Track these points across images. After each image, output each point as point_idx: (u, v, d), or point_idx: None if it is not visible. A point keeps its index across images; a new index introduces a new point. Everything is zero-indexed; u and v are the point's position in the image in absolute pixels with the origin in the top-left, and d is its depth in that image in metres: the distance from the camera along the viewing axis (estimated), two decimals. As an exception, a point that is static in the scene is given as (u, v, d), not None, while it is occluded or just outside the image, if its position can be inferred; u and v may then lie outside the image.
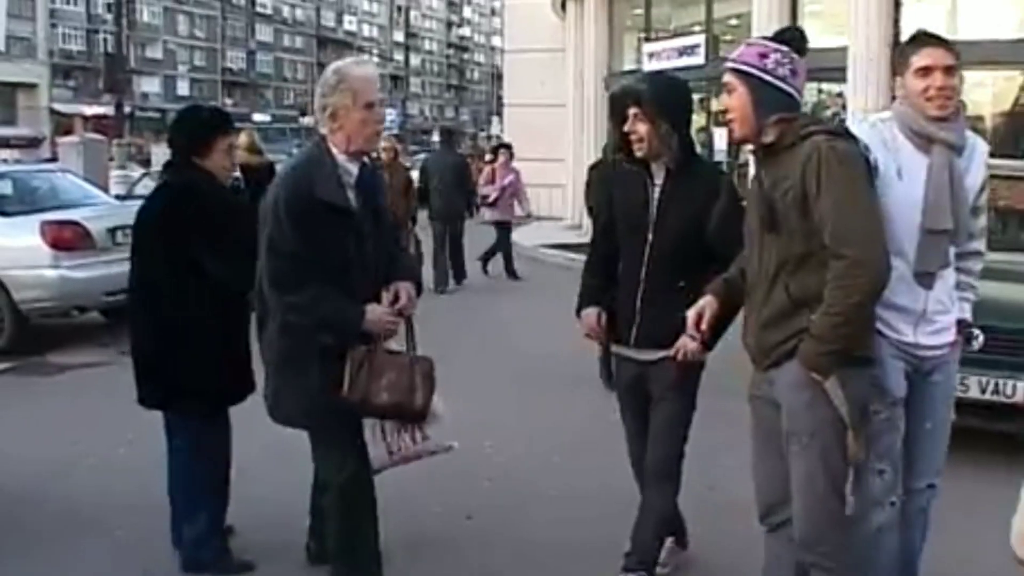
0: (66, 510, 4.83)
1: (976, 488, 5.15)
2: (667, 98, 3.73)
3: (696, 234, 3.66)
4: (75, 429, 6.23)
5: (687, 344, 3.57)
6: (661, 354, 3.71)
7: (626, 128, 3.72)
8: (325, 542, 3.94)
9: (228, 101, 71.77)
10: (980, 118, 12.78)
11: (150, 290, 4.08)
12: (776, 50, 3.07)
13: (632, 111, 3.69)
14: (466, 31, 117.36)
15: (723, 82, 3.15)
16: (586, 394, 7.15)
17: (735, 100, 3.10)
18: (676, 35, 18.30)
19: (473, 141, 58.83)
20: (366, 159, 3.80)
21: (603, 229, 4.02)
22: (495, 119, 54.88)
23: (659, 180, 3.76)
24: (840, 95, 14.12)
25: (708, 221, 3.65)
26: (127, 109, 40.07)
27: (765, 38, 3.17)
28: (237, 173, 13.87)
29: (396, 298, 3.67)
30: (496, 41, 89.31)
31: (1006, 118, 12.88)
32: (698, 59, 16.94)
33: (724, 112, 3.18)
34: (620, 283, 3.87)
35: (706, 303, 3.38)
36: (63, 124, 50.21)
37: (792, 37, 3.13)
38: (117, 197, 12.13)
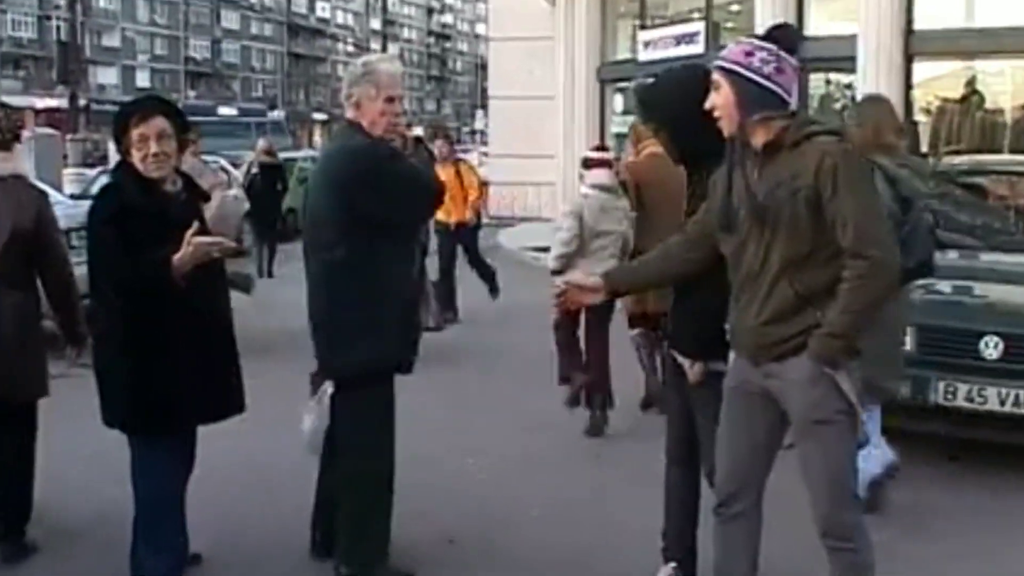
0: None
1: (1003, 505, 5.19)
2: (656, 103, 3.90)
3: None
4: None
5: (696, 367, 3.82)
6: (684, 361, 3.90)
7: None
8: (328, 533, 4.33)
9: (191, 93, 71.70)
10: (1000, 111, 12.85)
11: (100, 297, 4.03)
12: (762, 48, 3.30)
13: (652, 126, 4.01)
14: (448, 18, 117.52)
15: (711, 80, 3.37)
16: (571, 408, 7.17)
17: (720, 97, 3.34)
18: (674, 22, 18.32)
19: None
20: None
21: None
22: (480, 112, 54.85)
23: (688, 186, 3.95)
24: (849, 86, 14.18)
25: None
26: (82, 102, 39.99)
27: (755, 36, 3.39)
28: (255, 169, 15.49)
29: None
30: (480, 29, 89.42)
31: (1026, 110, 12.93)
32: (697, 48, 16.96)
33: (712, 110, 3.38)
34: None
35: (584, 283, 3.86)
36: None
37: (781, 36, 3.36)
38: (72, 196, 12.08)
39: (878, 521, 4.98)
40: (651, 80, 4.08)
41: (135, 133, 3.94)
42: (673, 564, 4.16)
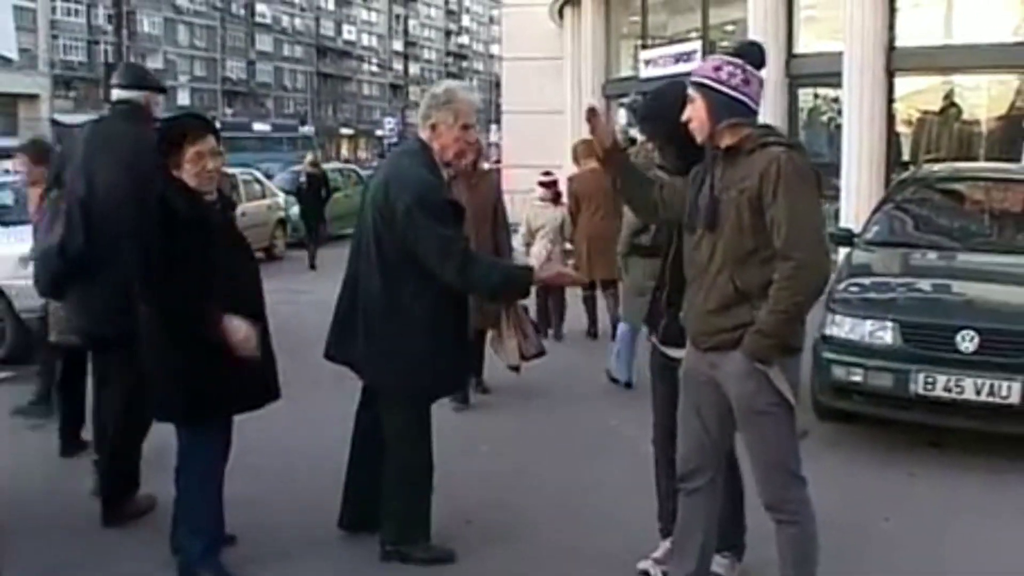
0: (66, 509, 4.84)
1: (988, 490, 5.18)
2: (659, 119, 3.88)
3: None
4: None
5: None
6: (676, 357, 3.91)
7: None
8: (358, 512, 4.45)
9: (228, 111, 71.94)
10: (976, 122, 12.80)
11: (147, 299, 4.02)
12: (729, 63, 3.41)
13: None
14: (464, 39, 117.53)
15: (686, 94, 3.47)
16: (586, 398, 7.17)
17: (694, 110, 3.44)
18: (673, 42, 18.29)
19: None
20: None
21: None
22: (494, 127, 54.85)
23: None
24: (836, 100, 14.13)
25: None
26: (128, 119, 40.11)
27: (724, 52, 3.54)
28: (303, 177, 17.28)
29: None
30: (495, 49, 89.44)
31: (1002, 122, 12.87)
32: (694, 65, 16.88)
33: (688, 122, 3.48)
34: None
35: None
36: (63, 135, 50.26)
37: (747, 51, 3.47)
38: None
39: (858, 504, 5.00)
40: (646, 96, 4.09)
41: (192, 151, 3.97)
42: (671, 539, 4.16)
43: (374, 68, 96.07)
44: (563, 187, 9.58)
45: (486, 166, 7.49)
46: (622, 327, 7.46)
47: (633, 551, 4.26)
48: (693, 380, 3.58)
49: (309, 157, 18.47)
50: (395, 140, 38.31)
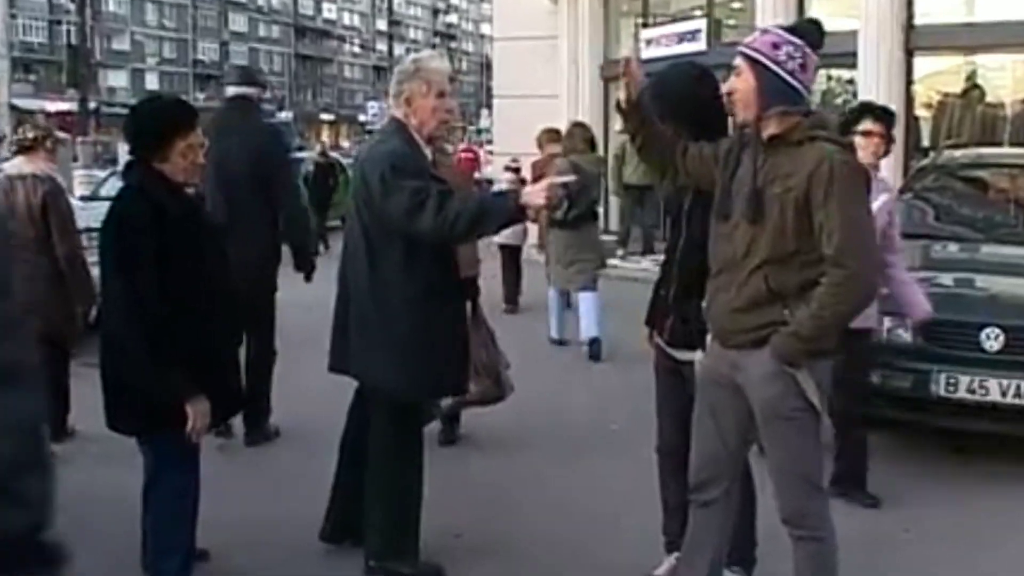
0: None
1: (1016, 498, 5.17)
2: (665, 99, 3.90)
3: None
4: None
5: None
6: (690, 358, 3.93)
7: None
8: (342, 522, 4.47)
9: (200, 95, 71.73)
10: (1000, 105, 12.79)
11: (112, 301, 3.98)
12: (789, 42, 3.28)
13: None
14: (453, 18, 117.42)
15: (732, 64, 3.35)
16: (584, 401, 7.16)
17: (740, 83, 3.32)
18: (676, 20, 18.28)
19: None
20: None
21: None
22: (484, 112, 54.82)
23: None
24: (851, 81, 14.12)
25: None
26: (92, 105, 40.06)
27: (782, 28, 3.39)
28: (310, 166, 19.27)
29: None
30: (485, 29, 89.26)
31: (1027, 104, 12.87)
32: (699, 45, 16.91)
33: (729, 94, 3.38)
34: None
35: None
36: (24, 121, 49.95)
37: (807, 30, 3.36)
38: (82, 198, 12.08)
39: (881, 514, 5.00)
40: (653, 77, 4.06)
41: (184, 144, 3.90)
42: (676, 555, 4.16)
43: (356, 49, 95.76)
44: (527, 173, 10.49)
45: (449, 148, 7.63)
46: (551, 292, 9.22)
47: (636, 566, 4.25)
48: (712, 382, 3.54)
49: (318, 147, 20.67)
50: (377, 126, 38.20)
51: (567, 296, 9.27)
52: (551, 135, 9.94)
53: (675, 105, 3.86)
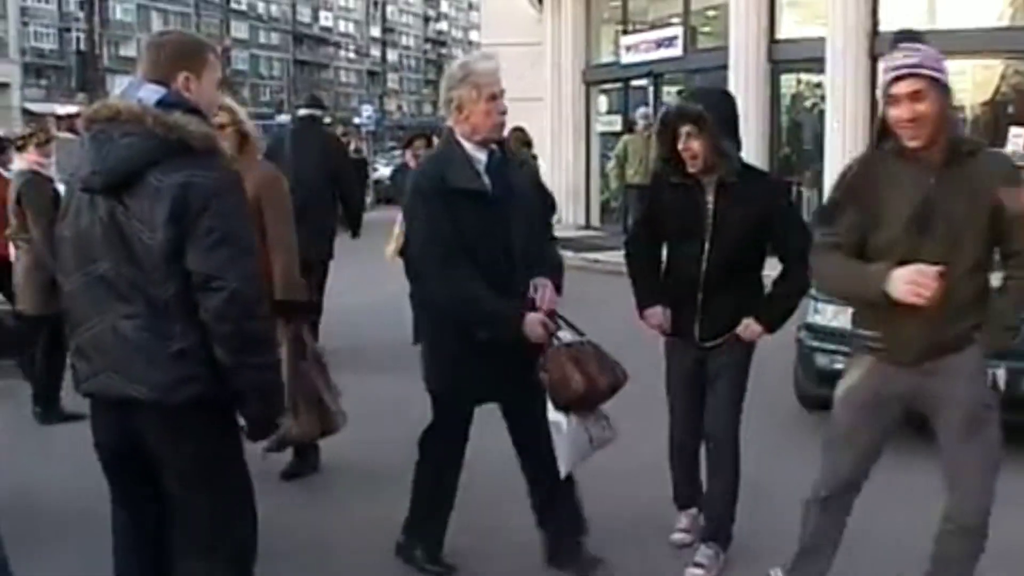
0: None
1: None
2: (726, 114, 4.01)
3: (752, 238, 4.03)
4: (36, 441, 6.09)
5: (751, 326, 4.03)
6: (720, 340, 4.08)
7: (680, 146, 3.97)
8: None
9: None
10: (960, 108, 12.81)
11: None
12: (939, 56, 3.06)
13: (685, 129, 3.93)
14: (443, 26, 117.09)
15: (913, 90, 3.01)
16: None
17: (927, 107, 3.01)
18: (654, 27, 18.26)
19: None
20: (494, 147, 3.96)
21: (652, 236, 4.31)
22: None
23: (711, 191, 4.02)
24: (819, 86, 14.13)
25: (767, 225, 4.01)
26: (100, 108, 39.70)
27: (904, 38, 3.13)
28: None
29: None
30: (474, 35, 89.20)
31: (986, 108, 12.91)
32: (676, 51, 16.91)
33: (912, 120, 3.04)
34: (675, 283, 4.20)
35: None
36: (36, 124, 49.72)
37: (918, 38, 3.13)
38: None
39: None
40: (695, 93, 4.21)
41: None
42: (692, 510, 4.43)
43: (351, 55, 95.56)
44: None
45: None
46: None
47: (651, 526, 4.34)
48: (872, 403, 3.35)
49: (353, 144, 20.65)
50: (372, 128, 38.06)
51: None
52: (517, 134, 10.18)
53: (734, 127, 4.02)
